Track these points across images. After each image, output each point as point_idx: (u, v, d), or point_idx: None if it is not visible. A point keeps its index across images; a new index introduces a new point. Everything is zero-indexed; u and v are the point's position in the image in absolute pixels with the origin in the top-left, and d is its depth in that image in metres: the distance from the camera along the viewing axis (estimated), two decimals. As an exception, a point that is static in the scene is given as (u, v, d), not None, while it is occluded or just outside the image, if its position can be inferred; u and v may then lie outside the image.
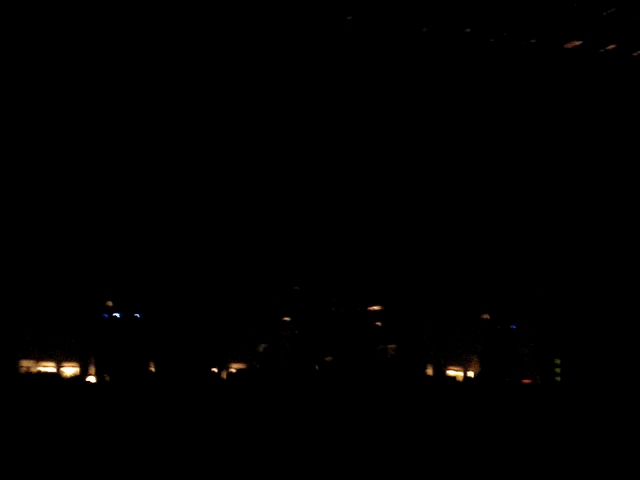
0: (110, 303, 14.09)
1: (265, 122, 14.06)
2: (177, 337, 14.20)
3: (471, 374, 14.97)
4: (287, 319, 15.19)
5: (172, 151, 13.88)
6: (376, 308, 15.05)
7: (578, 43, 13.55)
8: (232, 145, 14.10)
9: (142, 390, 12.66)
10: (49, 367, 13.65)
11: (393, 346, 15.13)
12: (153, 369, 13.85)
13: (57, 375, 13.56)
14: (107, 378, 13.54)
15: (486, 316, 15.40)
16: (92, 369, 13.78)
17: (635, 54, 13.71)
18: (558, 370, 15.00)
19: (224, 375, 14.24)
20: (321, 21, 12.84)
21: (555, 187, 14.93)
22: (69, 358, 13.75)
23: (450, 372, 15.19)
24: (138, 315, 14.16)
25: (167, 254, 14.13)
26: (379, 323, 15.12)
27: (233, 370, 14.33)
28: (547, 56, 13.91)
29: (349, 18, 12.91)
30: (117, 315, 14.03)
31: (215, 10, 12.65)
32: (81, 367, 13.73)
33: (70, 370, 13.70)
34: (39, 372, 13.50)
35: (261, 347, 14.75)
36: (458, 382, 14.72)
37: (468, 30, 13.33)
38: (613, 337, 14.82)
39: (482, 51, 13.78)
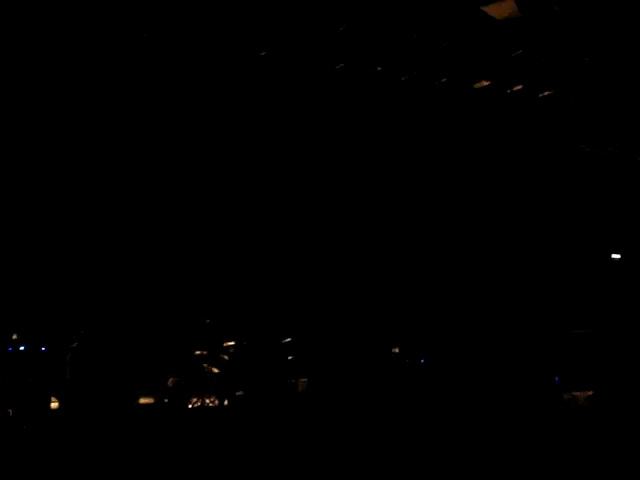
0: (15, 336, 13.79)
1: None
2: (83, 370, 13.95)
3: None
4: (198, 352, 15.08)
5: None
6: (287, 340, 15.05)
7: (487, 83, 13.86)
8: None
9: (45, 425, 12.40)
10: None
11: (304, 380, 15.13)
12: (56, 404, 13.58)
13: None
14: (10, 412, 13.21)
15: (396, 350, 15.54)
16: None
17: (541, 95, 14.11)
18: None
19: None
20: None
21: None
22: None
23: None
24: (43, 348, 13.88)
25: (74, 285, 13.90)
26: (290, 357, 15.11)
27: (143, 402, 14.15)
28: (458, 95, 14.20)
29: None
30: (21, 348, 13.73)
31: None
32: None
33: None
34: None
35: (171, 381, 14.59)
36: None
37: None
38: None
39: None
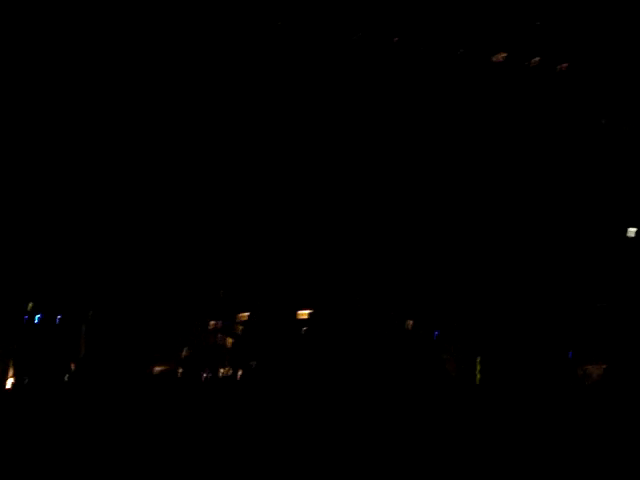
0: (31, 305, 13.86)
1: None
2: (98, 339, 14.04)
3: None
4: (213, 323, 15.14)
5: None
6: (304, 313, 15.07)
7: (504, 55, 13.81)
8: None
9: (63, 394, 12.49)
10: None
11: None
12: (72, 371, 13.68)
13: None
14: (26, 381, 13.31)
15: (410, 323, 15.53)
16: (11, 372, 13.54)
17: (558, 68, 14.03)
18: (478, 374, 15.21)
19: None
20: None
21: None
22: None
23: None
24: (58, 317, 13.97)
25: (89, 256, 13.96)
26: (305, 328, 15.14)
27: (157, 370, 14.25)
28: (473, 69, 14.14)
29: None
30: (37, 317, 13.82)
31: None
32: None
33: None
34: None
35: (185, 351, 14.66)
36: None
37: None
38: (533, 342, 15.09)
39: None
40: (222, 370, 14.75)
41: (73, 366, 13.75)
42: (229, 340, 15.02)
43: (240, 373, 14.65)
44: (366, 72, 13.60)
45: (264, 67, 13.53)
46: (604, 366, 14.65)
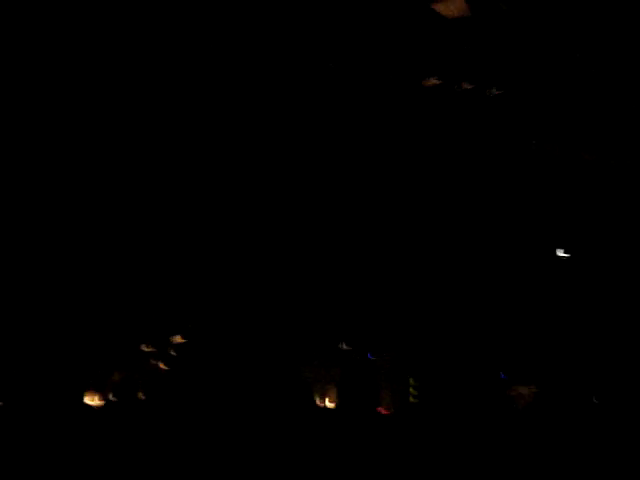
0: None
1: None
2: (27, 369, 13.81)
3: (331, 405, 15.07)
4: (145, 348, 14.99)
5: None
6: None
7: (436, 81, 13.98)
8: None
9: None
10: None
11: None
12: None
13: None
14: None
15: (345, 346, 15.56)
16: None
17: (489, 94, 14.25)
18: (414, 393, 15.31)
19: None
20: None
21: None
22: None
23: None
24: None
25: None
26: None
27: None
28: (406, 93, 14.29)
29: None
30: None
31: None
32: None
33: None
34: None
35: (116, 377, 14.49)
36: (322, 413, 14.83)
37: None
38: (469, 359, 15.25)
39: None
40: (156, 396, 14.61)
41: None
42: (162, 366, 14.88)
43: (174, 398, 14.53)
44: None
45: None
46: (533, 388, 14.87)
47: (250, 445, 11.56)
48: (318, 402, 14.95)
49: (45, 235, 13.64)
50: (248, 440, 11.69)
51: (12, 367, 13.71)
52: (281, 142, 14.35)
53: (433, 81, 13.91)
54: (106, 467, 10.25)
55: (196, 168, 14.16)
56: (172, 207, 14.23)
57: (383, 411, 14.92)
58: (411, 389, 15.34)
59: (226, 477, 10.58)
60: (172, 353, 14.95)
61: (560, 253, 15.84)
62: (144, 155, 13.81)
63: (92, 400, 13.74)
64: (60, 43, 12.50)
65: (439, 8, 12.81)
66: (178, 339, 14.97)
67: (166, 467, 10.50)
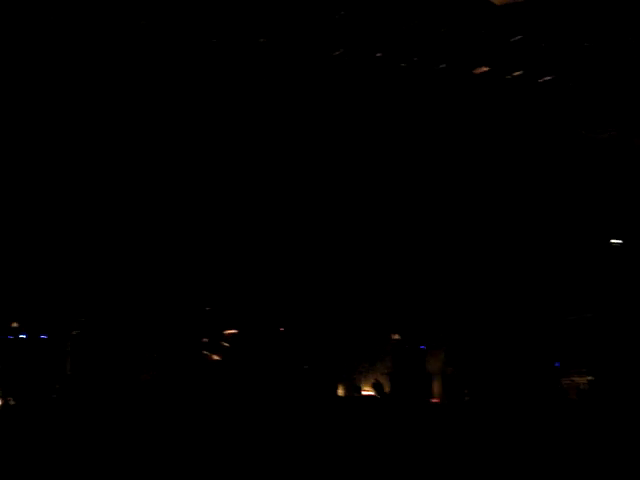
0: (15, 324, 13.82)
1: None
2: (83, 358, 14.01)
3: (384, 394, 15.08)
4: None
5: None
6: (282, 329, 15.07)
7: (486, 69, 13.82)
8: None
9: (49, 413, 12.43)
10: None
11: (306, 366, 15.17)
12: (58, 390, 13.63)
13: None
14: (11, 402, 13.24)
15: (396, 336, 15.55)
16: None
17: (540, 80, 14.06)
18: (466, 390, 15.24)
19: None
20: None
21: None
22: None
23: (364, 392, 15.27)
24: (44, 336, 13.92)
25: (73, 276, 13.93)
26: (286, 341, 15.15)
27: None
28: (457, 81, 14.17)
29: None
30: (23, 336, 13.77)
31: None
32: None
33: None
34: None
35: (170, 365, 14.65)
36: (371, 402, 14.83)
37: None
38: (519, 356, 15.12)
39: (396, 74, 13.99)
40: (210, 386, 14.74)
41: (57, 385, 13.71)
42: (215, 357, 15.00)
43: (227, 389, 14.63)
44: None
45: (262, 72, 13.60)
46: (590, 377, 14.70)
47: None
48: (368, 391, 15.00)
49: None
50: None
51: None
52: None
53: (483, 69, 13.79)
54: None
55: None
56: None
57: (434, 400, 14.91)
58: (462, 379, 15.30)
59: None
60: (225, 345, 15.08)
61: (615, 241, 15.63)
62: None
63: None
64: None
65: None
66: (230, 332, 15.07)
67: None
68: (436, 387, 15.14)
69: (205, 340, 15.07)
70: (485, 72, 13.87)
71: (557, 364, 15.09)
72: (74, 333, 14.08)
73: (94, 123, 13.53)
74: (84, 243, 13.84)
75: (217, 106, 13.82)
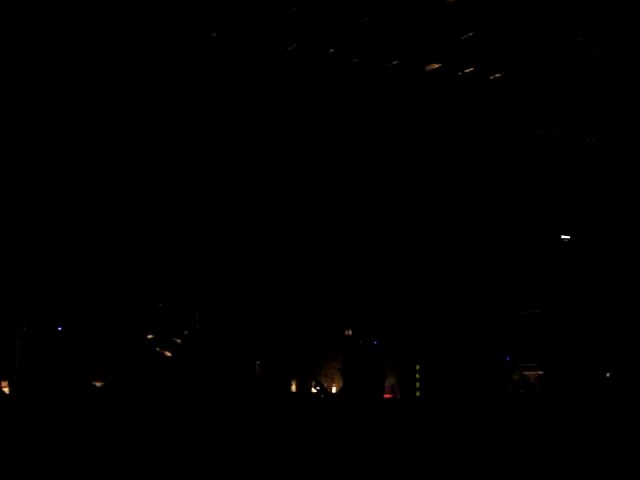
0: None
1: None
2: (33, 355, 13.87)
3: (334, 390, 15.10)
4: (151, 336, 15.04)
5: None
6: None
7: (437, 66, 13.92)
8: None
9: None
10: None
11: (258, 362, 15.14)
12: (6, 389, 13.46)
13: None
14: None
15: (348, 332, 15.58)
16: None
17: (492, 77, 14.20)
18: (418, 385, 15.30)
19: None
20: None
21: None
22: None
23: (314, 389, 15.26)
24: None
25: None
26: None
27: None
28: (408, 78, 14.24)
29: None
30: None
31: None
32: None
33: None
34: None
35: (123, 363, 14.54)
36: (322, 398, 14.84)
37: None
38: (472, 351, 15.24)
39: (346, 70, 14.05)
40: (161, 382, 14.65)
41: (6, 384, 13.53)
42: (167, 353, 14.92)
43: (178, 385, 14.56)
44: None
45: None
46: (540, 372, 14.85)
47: (252, 436, 11.58)
48: (321, 388, 15.00)
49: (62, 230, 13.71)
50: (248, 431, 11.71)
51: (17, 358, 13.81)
52: (281, 140, 14.36)
53: (434, 66, 13.89)
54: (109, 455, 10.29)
55: (198, 169, 14.15)
56: (177, 205, 14.24)
57: (387, 395, 14.95)
58: (417, 374, 15.36)
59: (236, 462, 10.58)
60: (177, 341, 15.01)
61: (565, 237, 15.83)
62: (144, 155, 13.80)
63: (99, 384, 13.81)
64: (60, 45, 12.56)
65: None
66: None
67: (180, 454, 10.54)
68: (389, 383, 15.20)
69: (154, 337, 15.00)
70: (436, 69, 13.97)
71: (507, 358, 15.23)
72: (23, 330, 13.93)
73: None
74: (36, 238, 13.74)
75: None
